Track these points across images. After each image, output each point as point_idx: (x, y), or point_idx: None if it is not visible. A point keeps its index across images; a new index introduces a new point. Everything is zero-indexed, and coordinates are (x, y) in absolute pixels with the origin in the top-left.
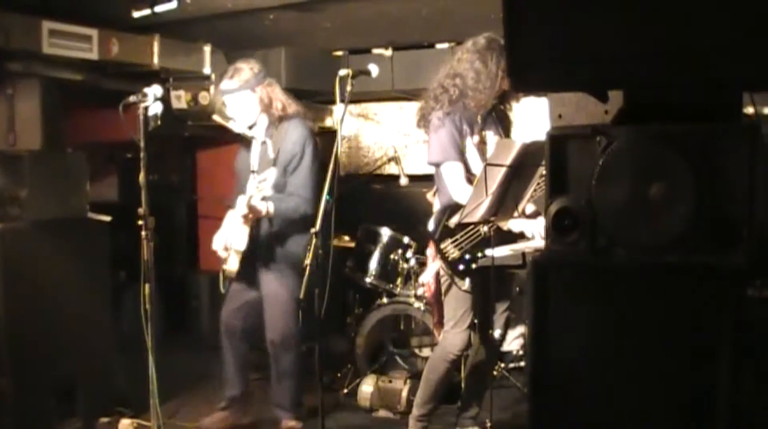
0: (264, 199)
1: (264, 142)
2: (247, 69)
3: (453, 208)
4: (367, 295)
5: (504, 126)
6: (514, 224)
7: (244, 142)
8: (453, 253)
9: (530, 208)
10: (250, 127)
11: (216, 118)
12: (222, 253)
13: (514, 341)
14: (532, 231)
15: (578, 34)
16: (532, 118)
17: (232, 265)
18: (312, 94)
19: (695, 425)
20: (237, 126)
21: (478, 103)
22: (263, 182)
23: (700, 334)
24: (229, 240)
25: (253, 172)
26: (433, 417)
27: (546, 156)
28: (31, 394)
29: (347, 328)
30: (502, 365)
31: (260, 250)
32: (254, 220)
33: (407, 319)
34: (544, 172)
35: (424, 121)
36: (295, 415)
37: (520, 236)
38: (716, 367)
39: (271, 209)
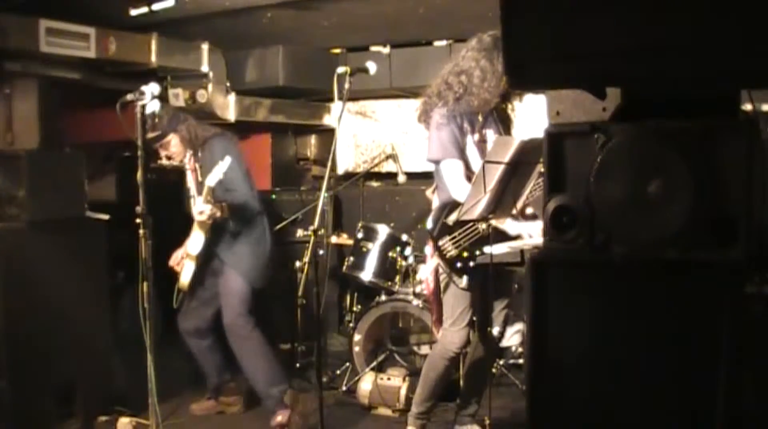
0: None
1: (194, 169)
2: (164, 115)
3: (451, 205)
4: (366, 293)
5: (505, 125)
6: (510, 227)
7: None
8: (451, 250)
9: (529, 211)
10: (181, 161)
11: (155, 164)
12: (177, 268)
13: (513, 336)
14: (530, 233)
15: (575, 31)
16: (531, 115)
17: (185, 277)
18: (309, 92)
19: (694, 422)
20: (174, 163)
21: (481, 102)
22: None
23: (698, 331)
24: (188, 245)
25: (192, 196)
26: (431, 414)
27: (544, 153)
28: (30, 394)
29: (346, 326)
30: (501, 362)
31: (215, 252)
32: (209, 224)
33: (406, 316)
34: (542, 170)
35: (425, 116)
36: (279, 386)
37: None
38: (715, 363)
39: (225, 204)
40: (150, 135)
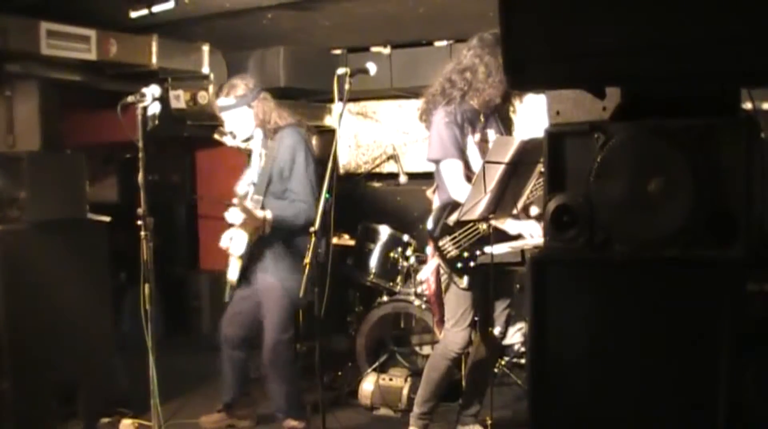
0: (263, 207)
1: (260, 154)
2: (242, 85)
3: (452, 205)
4: (368, 294)
5: (506, 125)
6: (511, 226)
7: (249, 156)
8: (451, 251)
9: (534, 211)
10: (246, 141)
11: (216, 136)
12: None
13: (514, 336)
14: (530, 232)
15: (575, 30)
16: (531, 115)
17: (232, 274)
18: (310, 93)
19: (695, 419)
20: (235, 141)
21: (486, 97)
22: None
23: (700, 329)
24: (231, 245)
25: (252, 184)
26: (434, 415)
27: (544, 153)
28: (32, 396)
29: (348, 326)
30: (503, 362)
31: (262, 257)
32: (254, 227)
33: (408, 317)
34: (542, 169)
35: (427, 115)
36: (296, 416)
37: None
38: (716, 362)
39: (269, 216)
40: (220, 102)
